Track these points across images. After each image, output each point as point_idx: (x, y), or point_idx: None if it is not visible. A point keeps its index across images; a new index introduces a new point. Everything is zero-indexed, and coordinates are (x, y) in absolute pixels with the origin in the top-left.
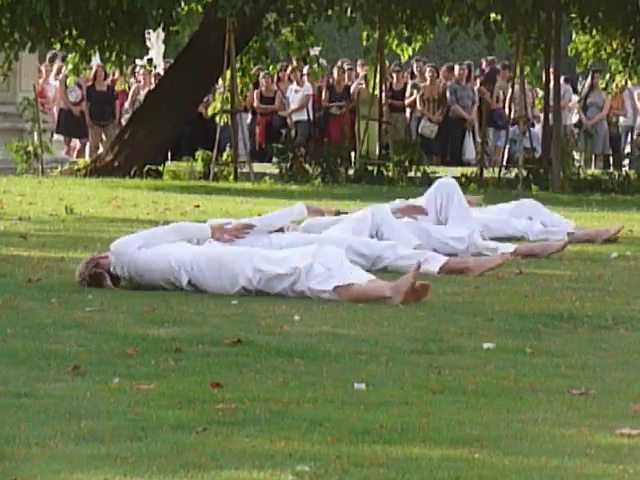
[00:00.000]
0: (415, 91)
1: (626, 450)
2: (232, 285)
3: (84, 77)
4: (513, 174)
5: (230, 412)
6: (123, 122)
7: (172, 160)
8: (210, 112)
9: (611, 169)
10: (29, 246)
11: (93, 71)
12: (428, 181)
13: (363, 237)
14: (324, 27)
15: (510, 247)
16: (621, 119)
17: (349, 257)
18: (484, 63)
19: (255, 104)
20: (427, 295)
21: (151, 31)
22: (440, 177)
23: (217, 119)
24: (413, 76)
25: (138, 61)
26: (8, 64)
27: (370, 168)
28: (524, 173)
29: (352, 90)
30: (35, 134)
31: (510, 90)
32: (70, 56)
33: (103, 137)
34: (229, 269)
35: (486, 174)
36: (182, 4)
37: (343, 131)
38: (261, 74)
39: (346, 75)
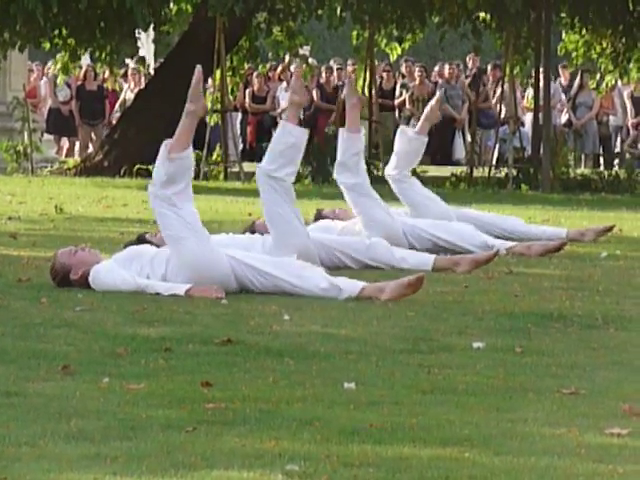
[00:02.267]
0: (404, 91)
1: (616, 450)
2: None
3: (74, 76)
4: (503, 174)
5: (220, 411)
6: (113, 121)
7: None
8: None
9: (601, 169)
10: (19, 246)
11: (83, 70)
12: (418, 180)
13: (352, 239)
14: (314, 26)
15: (505, 244)
16: (611, 118)
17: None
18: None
19: (247, 103)
20: (420, 287)
21: (141, 31)
22: (430, 176)
23: (207, 119)
24: (404, 76)
25: (128, 61)
26: None
27: None
28: (514, 172)
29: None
30: (25, 133)
31: (500, 90)
32: (59, 55)
33: (93, 136)
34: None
35: (476, 173)
36: (172, 4)
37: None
38: (254, 73)
39: (335, 75)
